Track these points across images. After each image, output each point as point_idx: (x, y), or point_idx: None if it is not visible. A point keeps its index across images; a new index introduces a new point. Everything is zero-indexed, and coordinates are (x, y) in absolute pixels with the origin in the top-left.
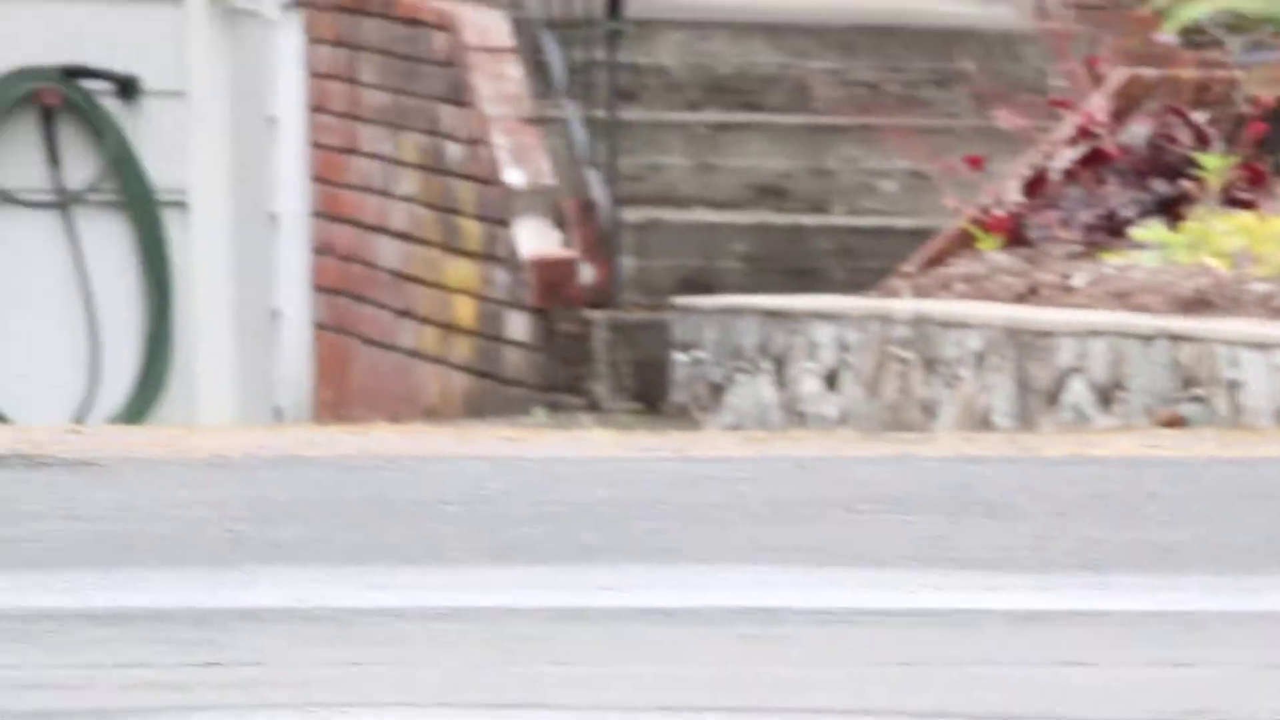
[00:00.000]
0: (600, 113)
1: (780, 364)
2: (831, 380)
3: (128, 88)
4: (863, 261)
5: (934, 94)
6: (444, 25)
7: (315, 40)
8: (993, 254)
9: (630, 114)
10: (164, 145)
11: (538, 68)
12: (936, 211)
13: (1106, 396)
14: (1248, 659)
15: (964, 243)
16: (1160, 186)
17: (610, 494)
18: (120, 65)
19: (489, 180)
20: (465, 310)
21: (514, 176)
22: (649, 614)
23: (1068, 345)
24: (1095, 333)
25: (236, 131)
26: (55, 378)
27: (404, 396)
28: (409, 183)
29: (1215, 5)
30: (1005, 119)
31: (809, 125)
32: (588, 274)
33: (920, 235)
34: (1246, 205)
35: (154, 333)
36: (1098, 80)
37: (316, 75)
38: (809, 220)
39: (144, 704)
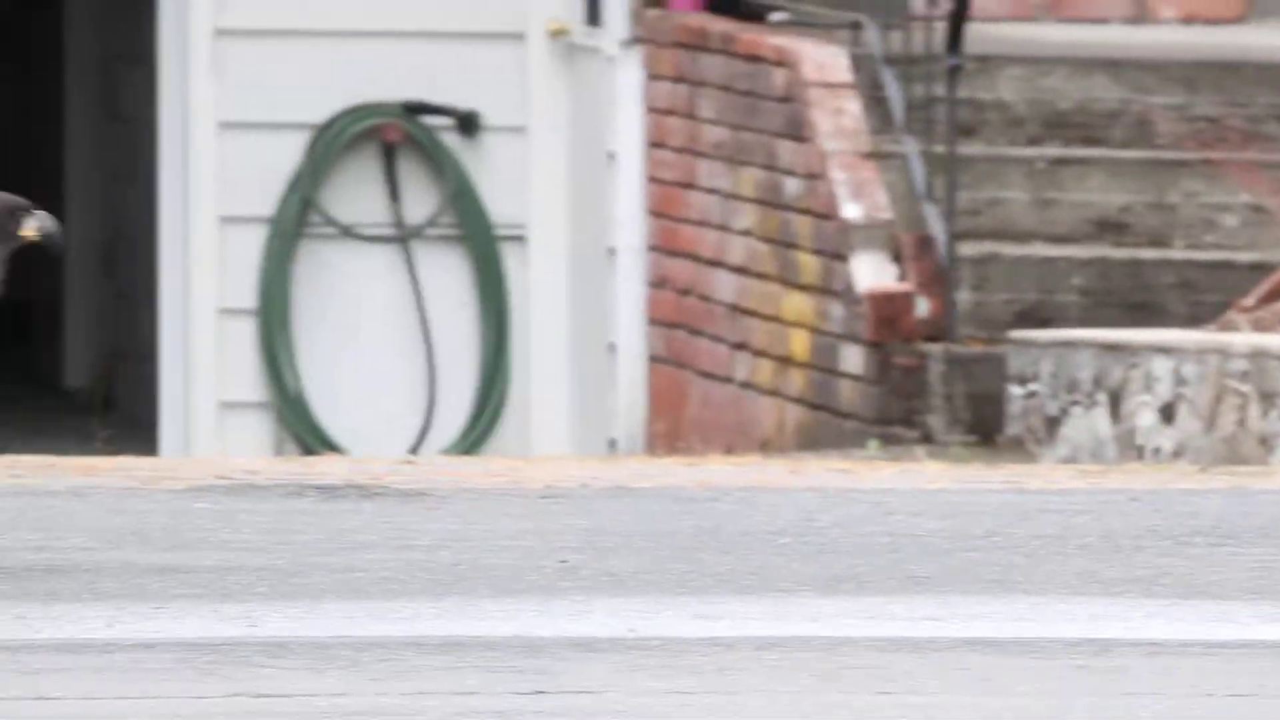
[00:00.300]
0: (939, 148)
1: (1116, 397)
2: (1168, 413)
3: (468, 123)
4: (1202, 295)
5: (1277, 129)
6: (783, 61)
7: (655, 76)
8: None
9: (969, 149)
10: (503, 180)
11: (876, 103)
12: (1277, 246)
13: None
14: None
15: None
16: None
17: (941, 526)
18: (461, 101)
19: (826, 215)
20: (800, 343)
21: (852, 211)
22: (979, 644)
23: None
24: None
25: (575, 166)
26: (391, 409)
27: (738, 429)
28: (746, 217)
29: None
30: None
31: (1150, 160)
32: (923, 308)
33: (1260, 270)
34: None
35: (490, 365)
36: None
37: (655, 110)
38: (1148, 254)
39: None
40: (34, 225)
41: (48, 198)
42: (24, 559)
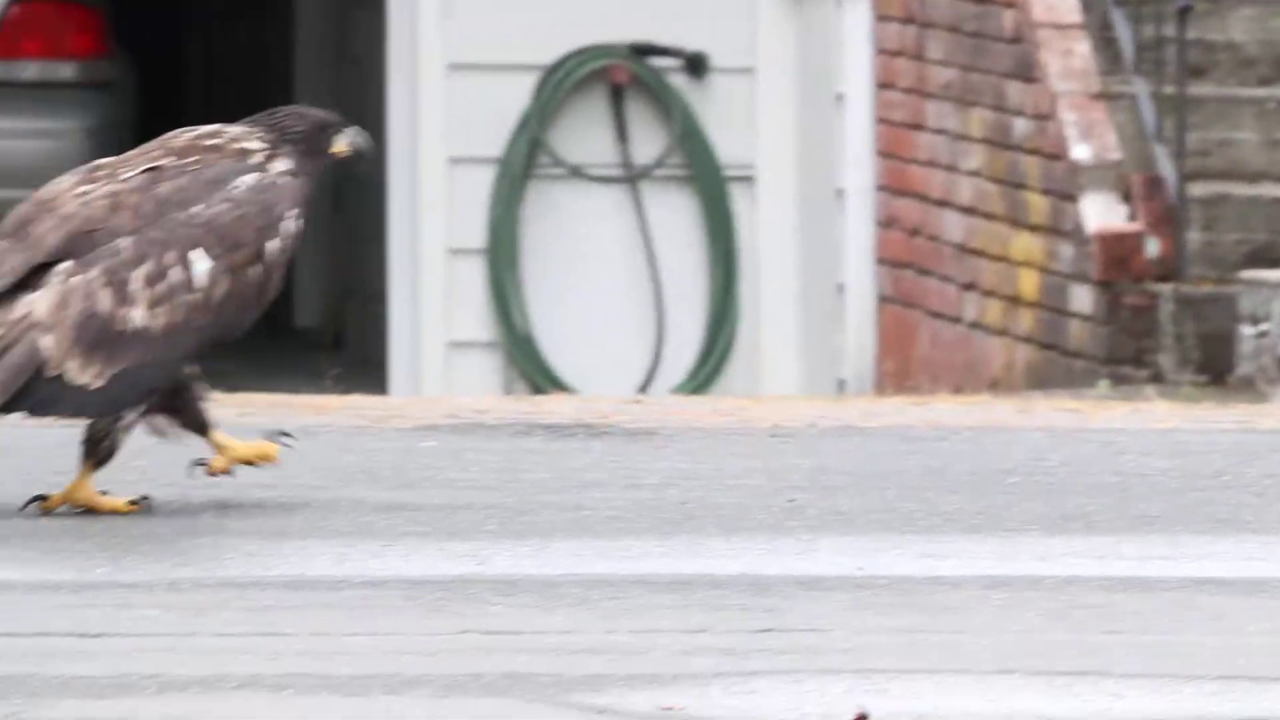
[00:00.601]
0: (1169, 89)
1: None
2: None
3: (696, 64)
4: None
5: None
6: (1013, 2)
7: (883, 17)
8: None
9: (1199, 90)
10: (731, 121)
11: (1106, 44)
12: None
13: None
14: None
15: None
16: None
17: (1170, 465)
18: (688, 42)
19: (1056, 155)
20: (1029, 283)
21: (1081, 152)
22: (1208, 584)
23: None
24: None
25: (803, 108)
26: (620, 349)
27: (966, 368)
28: (975, 158)
29: None
30: None
31: None
32: (1153, 248)
33: None
34: None
35: (719, 305)
36: None
37: (884, 52)
38: None
39: (700, 669)
40: (345, 141)
41: None
42: (255, 496)
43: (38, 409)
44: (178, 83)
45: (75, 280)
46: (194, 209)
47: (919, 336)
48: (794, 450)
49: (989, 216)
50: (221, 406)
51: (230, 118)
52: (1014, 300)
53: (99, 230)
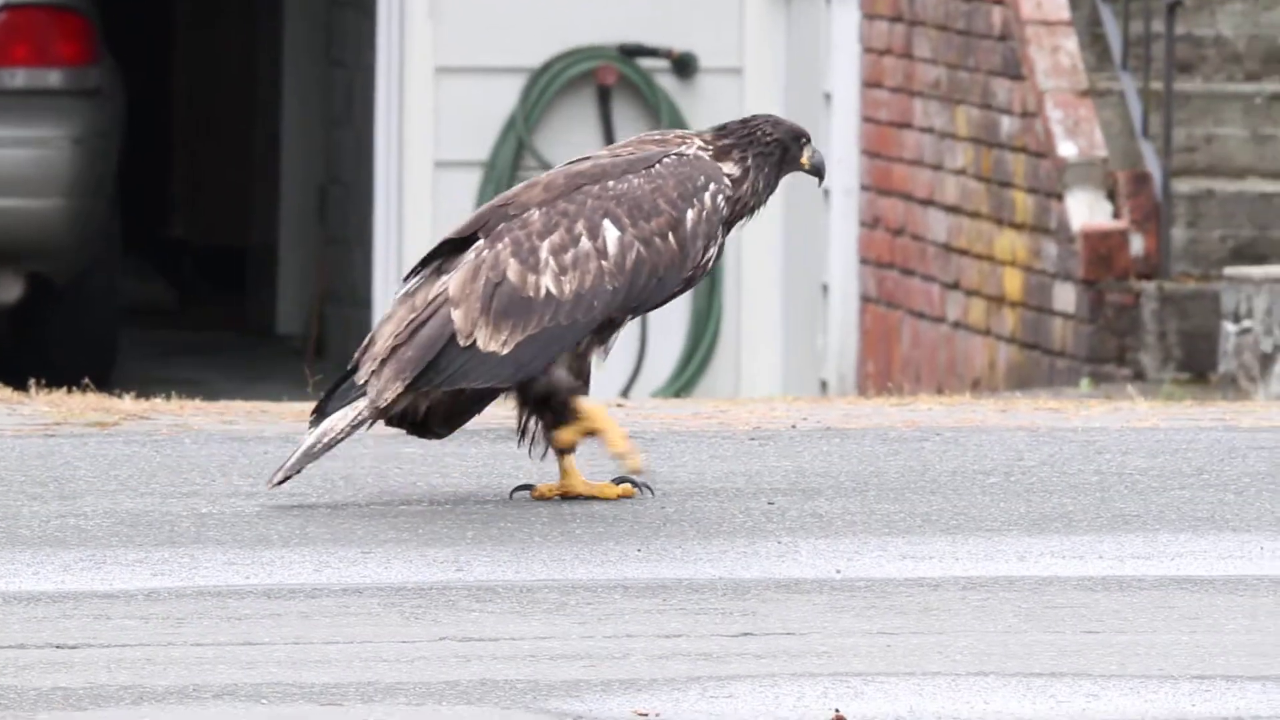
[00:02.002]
0: (1156, 85)
1: None
2: None
3: (684, 65)
4: None
5: None
6: None
7: (871, 16)
8: None
9: (1186, 85)
10: (718, 121)
11: (1094, 40)
12: None
13: None
14: None
15: None
16: None
17: (1151, 464)
18: (677, 42)
19: (1042, 153)
20: (1013, 282)
21: (1067, 149)
22: (1187, 583)
23: None
24: None
25: (790, 107)
26: None
27: (949, 368)
28: (961, 156)
29: None
30: None
31: None
32: (1138, 245)
33: None
34: None
35: (702, 308)
36: None
37: (871, 51)
38: None
39: (677, 674)
40: (808, 155)
41: (265, 141)
42: (235, 506)
43: (451, 381)
44: (163, 88)
45: (484, 254)
46: (608, 182)
47: (901, 336)
48: (774, 453)
49: (974, 215)
50: (204, 415)
51: (216, 123)
52: (997, 299)
53: (508, 204)
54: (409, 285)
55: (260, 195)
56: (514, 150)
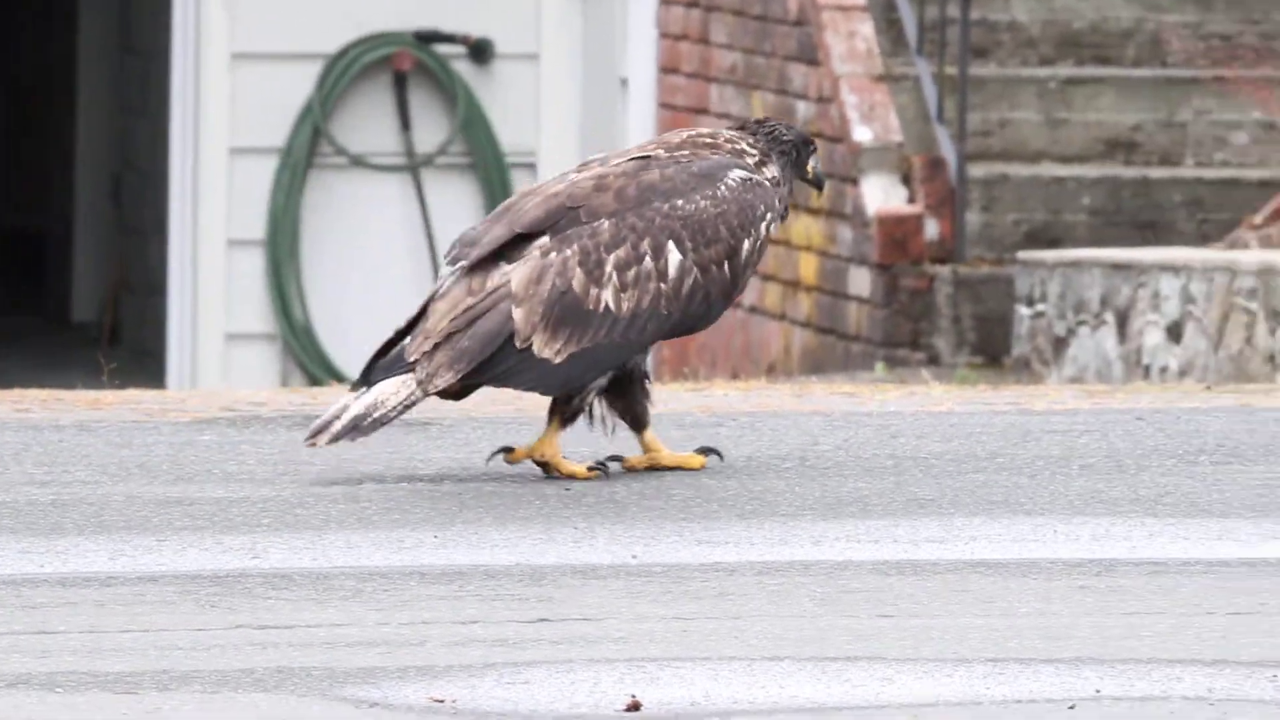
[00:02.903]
0: (952, 69)
1: (1123, 317)
2: (1174, 332)
3: (480, 51)
4: (1211, 214)
5: None
6: None
7: (667, 2)
8: None
9: (981, 70)
10: (515, 107)
11: (889, 25)
12: None
13: None
14: None
15: None
16: None
17: (946, 448)
18: (473, 29)
19: (838, 138)
20: (808, 267)
21: (863, 134)
22: (981, 566)
23: None
24: None
25: (587, 93)
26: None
27: (744, 353)
28: None
29: None
30: None
31: (1162, 78)
32: (933, 229)
33: (1270, 187)
34: None
35: None
36: None
37: (668, 36)
38: (1157, 173)
39: (473, 660)
40: (813, 164)
41: (60, 128)
42: (29, 494)
43: (500, 379)
44: None
45: (552, 257)
46: (677, 200)
47: None
48: (571, 439)
49: None
50: None
51: (14, 106)
52: (793, 284)
53: (580, 208)
54: (461, 264)
55: (57, 180)
56: (310, 137)
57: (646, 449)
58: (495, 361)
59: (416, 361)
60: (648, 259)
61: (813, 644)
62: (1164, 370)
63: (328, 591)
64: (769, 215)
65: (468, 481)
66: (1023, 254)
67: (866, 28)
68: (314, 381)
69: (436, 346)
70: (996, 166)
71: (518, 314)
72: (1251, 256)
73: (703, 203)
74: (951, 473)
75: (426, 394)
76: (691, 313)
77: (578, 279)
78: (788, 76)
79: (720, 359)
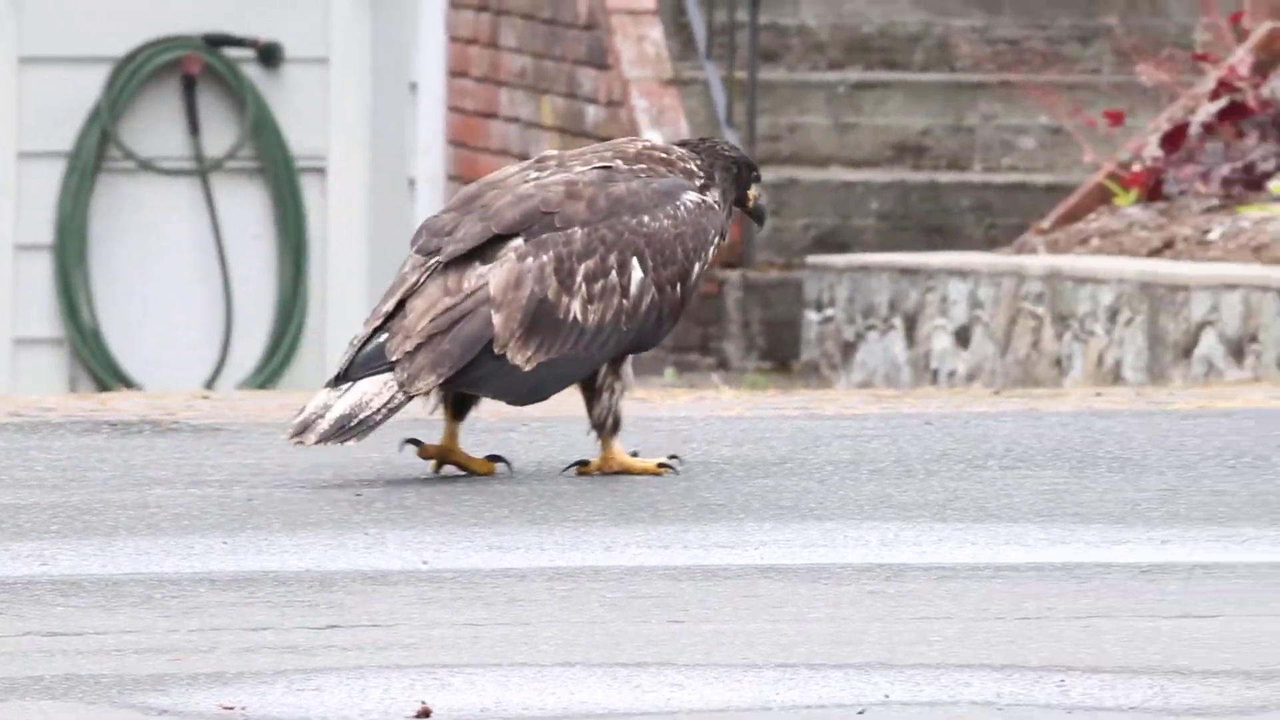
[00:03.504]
0: (741, 73)
1: (912, 321)
2: (963, 337)
3: (269, 55)
4: (999, 218)
5: (1076, 50)
6: None
7: (457, 5)
8: (1129, 209)
9: (771, 74)
10: (304, 111)
11: (679, 29)
12: (1075, 167)
13: (1238, 349)
14: None
15: (1101, 198)
16: None
17: (736, 453)
18: (263, 32)
19: None
20: None
21: (652, 138)
22: (771, 571)
23: (1200, 298)
24: (1229, 286)
25: (376, 97)
26: (188, 343)
27: None
28: (546, 146)
29: None
30: (1147, 74)
31: (950, 83)
32: None
33: (1058, 191)
34: None
35: (287, 298)
36: (1242, 35)
37: (457, 40)
38: (946, 177)
39: (263, 667)
40: (755, 191)
41: None
42: None
43: (474, 385)
44: None
45: (529, 262)
46: (644, 217)
47: None
48: (361, 445)
49: None
50: None
51: None
52: None
53: (555, 214)
54: (437, 259)
55: None
56: (98, 141)
57: (606, 451)
58: (474, 366)
59: (398, 361)
60: (614, 273)
61: (603, 650)
62: (952, 375)
63: (117, 598)
64: (717, 240)
65: (258, 487)
66: (811, 258)
67: (656, 32)
68: (102, 387)
69: (419, 348)
70: (785, 171)
71: (497, 319)
72: (1039, 261)
73: (665, 222)
74: (742, 478)
75: (410, 397)
76: (645, 330)
77: (552, 287)
78: (578, 81)
79: None
